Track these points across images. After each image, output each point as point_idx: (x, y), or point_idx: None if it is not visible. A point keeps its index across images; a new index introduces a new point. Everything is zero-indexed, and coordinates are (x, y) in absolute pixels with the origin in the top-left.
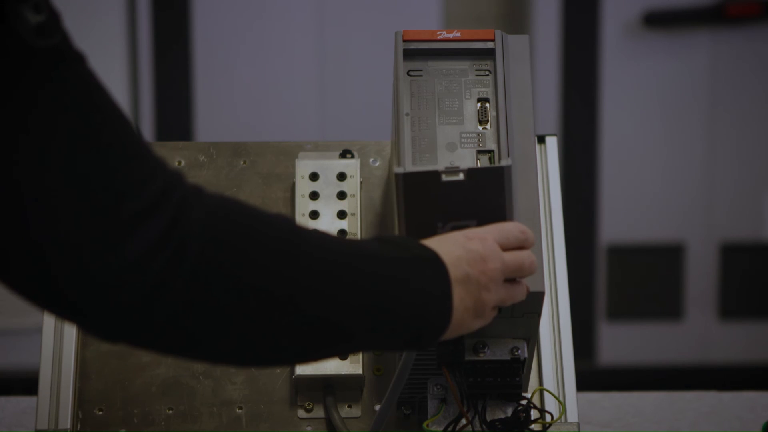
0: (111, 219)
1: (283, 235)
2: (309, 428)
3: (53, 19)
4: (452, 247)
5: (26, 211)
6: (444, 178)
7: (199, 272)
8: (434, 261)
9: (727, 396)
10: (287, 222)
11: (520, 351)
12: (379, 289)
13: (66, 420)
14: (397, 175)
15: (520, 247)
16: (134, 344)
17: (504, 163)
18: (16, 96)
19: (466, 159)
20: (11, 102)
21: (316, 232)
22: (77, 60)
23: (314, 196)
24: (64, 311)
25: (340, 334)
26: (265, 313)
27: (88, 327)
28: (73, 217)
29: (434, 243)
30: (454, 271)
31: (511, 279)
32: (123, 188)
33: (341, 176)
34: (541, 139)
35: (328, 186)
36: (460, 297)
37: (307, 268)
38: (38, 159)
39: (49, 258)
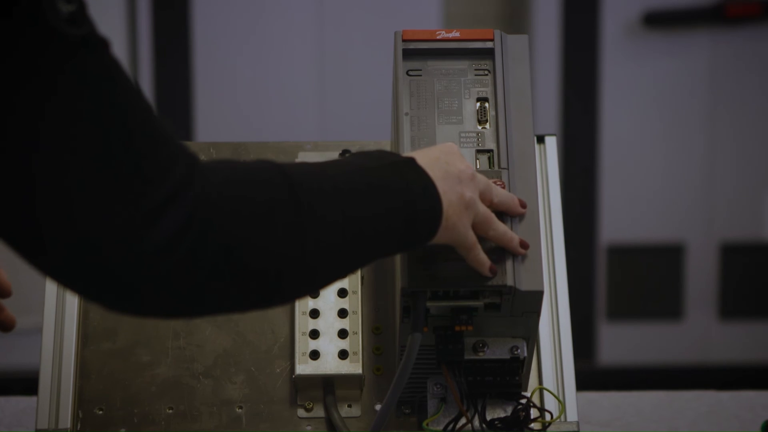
0: (136, 208)
1: (278, 195)
2: (309, 428)
3: (82, 7)
4: (426, 151)
5: (53, 197)
6: None
7: (214, 249)
8: (410, 163)
9: (726, 395)
10: (276, 172)
11: (519, 350)
12: (372, 197)
13: (66, 420)
14: None
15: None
16: (165, 315)
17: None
18: (53, 84)
19: (466, 158)
20: (48, 90)
21: (301, 170)
22: (105, 47)
23: None
24: (94, 293)
25: (349, 247)
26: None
27: (122, 307)
28: (98, 206)
29: (413, 152)
30: (433, 170)
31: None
32: (148, 175)
33: None
34: (541, 139)
35: None
36: (442, 191)
37: (310, 215)
38: (67, 145)
39: (77, 246)
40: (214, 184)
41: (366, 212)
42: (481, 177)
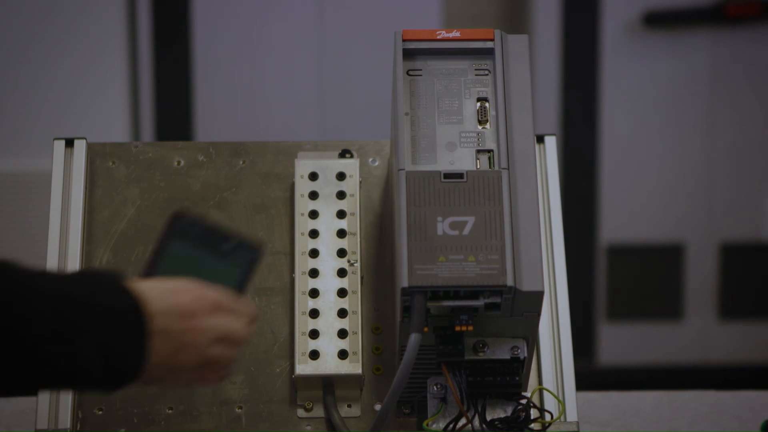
0: None
1: None
2: (309, 428)
3: None
4: (165, 293)
5: None
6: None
7: None
8: (131, 313)
9: (725, 395)
10: None
11: (519, 350)
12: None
13: (66, 420)
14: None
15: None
16: None
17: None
18: None
19: (466, 158)
20: None
21: (11, 278)
22: None
23: (313, 195)
24: None
25: (21, 382)
26: None
27: None
28: None
29: (148, 285)
30: (162, 342)
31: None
32: None
33: (340, 176)
34: (541, 139)
35: (327, 186)
36: (156, 349)
37: None
38: None
39: None
40: None
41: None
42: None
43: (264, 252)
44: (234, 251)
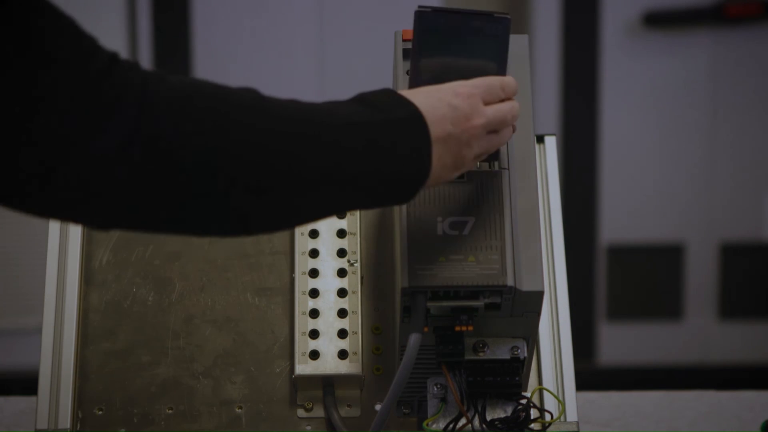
0: (86, 117)
1: (246, 118)
2: (309, 428)
3: None
4: (437, 104)
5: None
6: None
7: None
8: (416, 121)
9: (726, 395)
10: (250, 98)
11: (519, 350)
12: (356, 157)
13: (66, 420)
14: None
15: (504, 99)
16: (132, 226)
17: (505, 16)
18: None
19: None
20: None
21: (279, 105)
22: None
23: None
24: (67, 212)
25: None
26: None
27: (92, 221)
28: (54, 122)
29: (421, 98)
30: (436, 130)
31: (493, 131)
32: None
33: None
34: (540, 139)
35: None
36: (438, 155)
37: (272, 145)
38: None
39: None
40: (169, 87)
41: (346, 153)
42: (483, 127)
43: (512, 19)
44: (484, 26)
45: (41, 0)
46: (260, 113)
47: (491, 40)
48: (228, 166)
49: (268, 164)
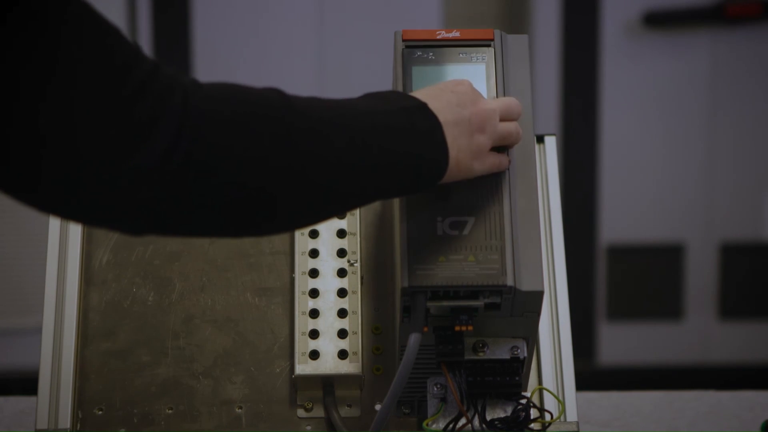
0: (127, 125)
1: (274, 113)
2: (309, 428)
3: None
4: (440, 93)
5: (51, 128)
6: None
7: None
8: (423, 108)
9: (726, 395)
10: (276, 95)
11: (519, 350)
12: (373, 144)
13: (66, 420)
14: None
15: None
16: (164, 231)
17: None
18: (33, 12)
19: None
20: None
21: (304, 103)
22: None
23: None
24: (94, 217)
25: (343, 195)
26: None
27: (121, 226)
28: (92, 127)
29: (422, 93)
30: (444, 115)
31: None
32: (136, 94)
33: None
34: (540, 139)
35: None
36: (453, 137)
37: (302, 146)
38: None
39: (74, 171)
40: (205, 98)
41: (370, 148)
42: (493, 111)
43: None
44: None
45: (82, 11)
46: (290, 116)
47: None
48: (262, 173)
49: (299, 165)
